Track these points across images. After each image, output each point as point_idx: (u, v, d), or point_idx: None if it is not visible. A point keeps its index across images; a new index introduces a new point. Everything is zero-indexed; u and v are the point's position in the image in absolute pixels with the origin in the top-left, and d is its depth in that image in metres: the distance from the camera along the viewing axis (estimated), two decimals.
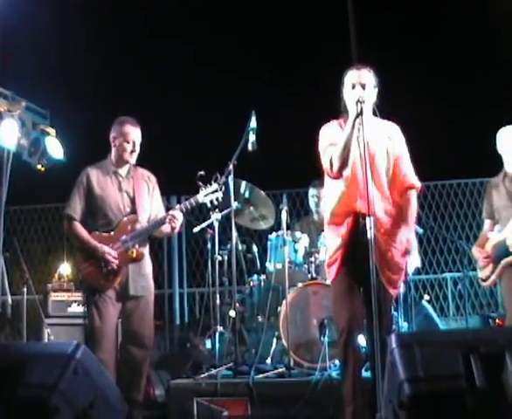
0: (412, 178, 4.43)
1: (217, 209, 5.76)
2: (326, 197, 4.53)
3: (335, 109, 4.54)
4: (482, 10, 8.72)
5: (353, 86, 4.34)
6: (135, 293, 4.99)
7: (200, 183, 5.23)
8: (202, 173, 5.25)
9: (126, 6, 9.07)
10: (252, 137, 5.58)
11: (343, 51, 8.48)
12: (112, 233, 5.00)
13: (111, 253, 4.92)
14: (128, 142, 5.07)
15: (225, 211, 5.88)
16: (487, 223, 5.52)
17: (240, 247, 6.58)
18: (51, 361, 3.32)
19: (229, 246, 6.24)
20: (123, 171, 5.15)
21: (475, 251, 5.49)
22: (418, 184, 4.46)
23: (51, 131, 6.88)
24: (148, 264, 5.15)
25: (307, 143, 4.68)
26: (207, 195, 5.22)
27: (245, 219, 6.55)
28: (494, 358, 2.89)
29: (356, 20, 8.78)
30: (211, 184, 5.25)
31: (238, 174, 5.77)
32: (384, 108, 4.49)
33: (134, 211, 5.05)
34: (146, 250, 5.12)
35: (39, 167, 6.86)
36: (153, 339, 5.13)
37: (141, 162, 5.24)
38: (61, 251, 8.51)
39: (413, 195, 4.44)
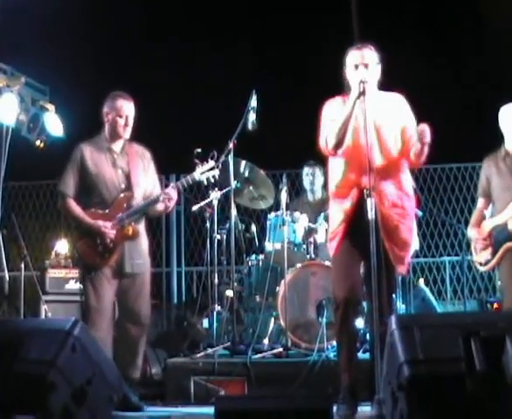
0: None
1: (216, 188, 5.74)
2: (330, 172, 4.46)
3: (335, 89, 4.50)
4: None
5: (356, 67, 4.30)
6: (131, 271, 4.95)
7: (197, 161, 5.19)
8: (199, 150, 5.21)
9: None
10: (252, 116, 5.57)
11: (345, 31, 8.43)
12: (107, 211, 4.92)
13: (107, 225, 4.88)
14: (120, 117, 4.97)
15: (225, 190, 5.86)
16: (480, 201, 5.27)
17: (239, 226, 6.56)
18: (48, 337, 3.32)
19: (228, 225, 6.22)
20: (117, 147, 5.06)
21: (473, 232, 5.23)
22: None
23: (51, 107, 6.86)
24: (144, 242, 5.10)
25: (308, 123, 4.65)
26: (203, 172, 5.16)
27: (245, 198, 6.53)
28: (495, 341, 2.89)
29: None
30: (207, 162, 5.21)
31: (238, 153, 5.75)
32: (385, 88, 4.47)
33: (129, 188, 4.96)
34: (142, 228, 5.08)
35: (38, 143, 6.83)
36: (149, 316, 5.12)
37: (141, 140, 5.18)
38: (59, 228, 8.48)
39: None
